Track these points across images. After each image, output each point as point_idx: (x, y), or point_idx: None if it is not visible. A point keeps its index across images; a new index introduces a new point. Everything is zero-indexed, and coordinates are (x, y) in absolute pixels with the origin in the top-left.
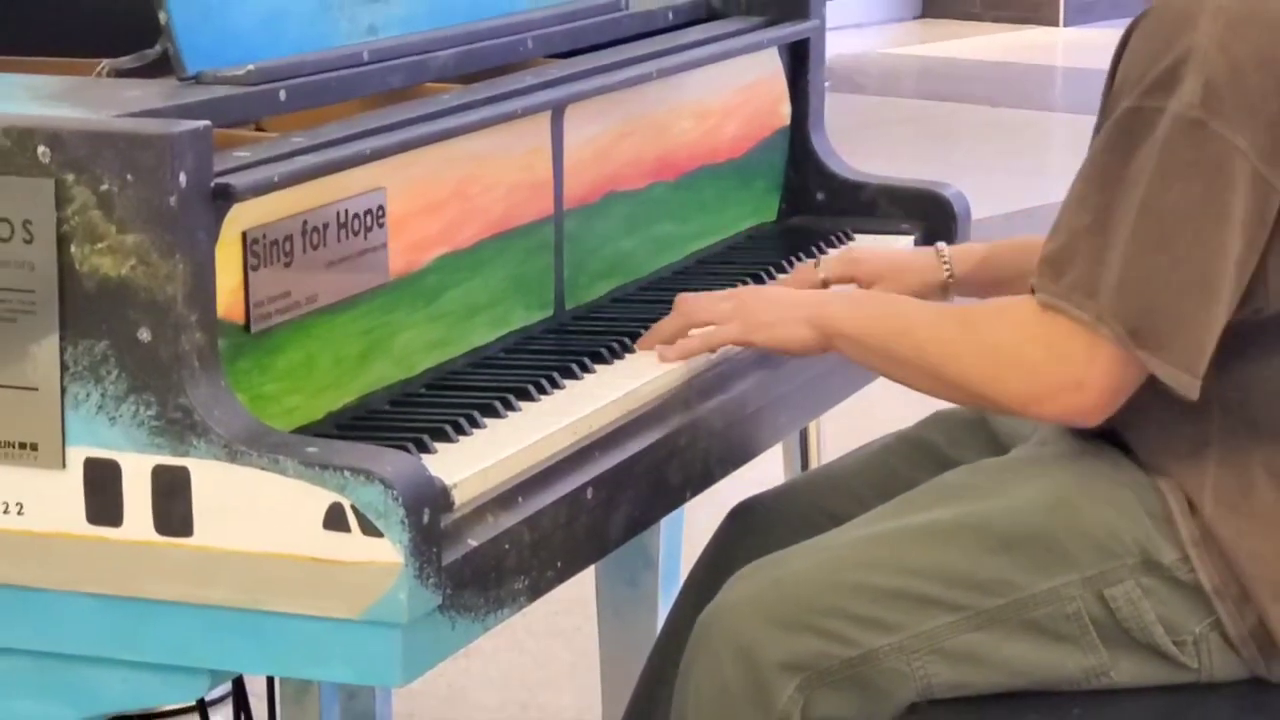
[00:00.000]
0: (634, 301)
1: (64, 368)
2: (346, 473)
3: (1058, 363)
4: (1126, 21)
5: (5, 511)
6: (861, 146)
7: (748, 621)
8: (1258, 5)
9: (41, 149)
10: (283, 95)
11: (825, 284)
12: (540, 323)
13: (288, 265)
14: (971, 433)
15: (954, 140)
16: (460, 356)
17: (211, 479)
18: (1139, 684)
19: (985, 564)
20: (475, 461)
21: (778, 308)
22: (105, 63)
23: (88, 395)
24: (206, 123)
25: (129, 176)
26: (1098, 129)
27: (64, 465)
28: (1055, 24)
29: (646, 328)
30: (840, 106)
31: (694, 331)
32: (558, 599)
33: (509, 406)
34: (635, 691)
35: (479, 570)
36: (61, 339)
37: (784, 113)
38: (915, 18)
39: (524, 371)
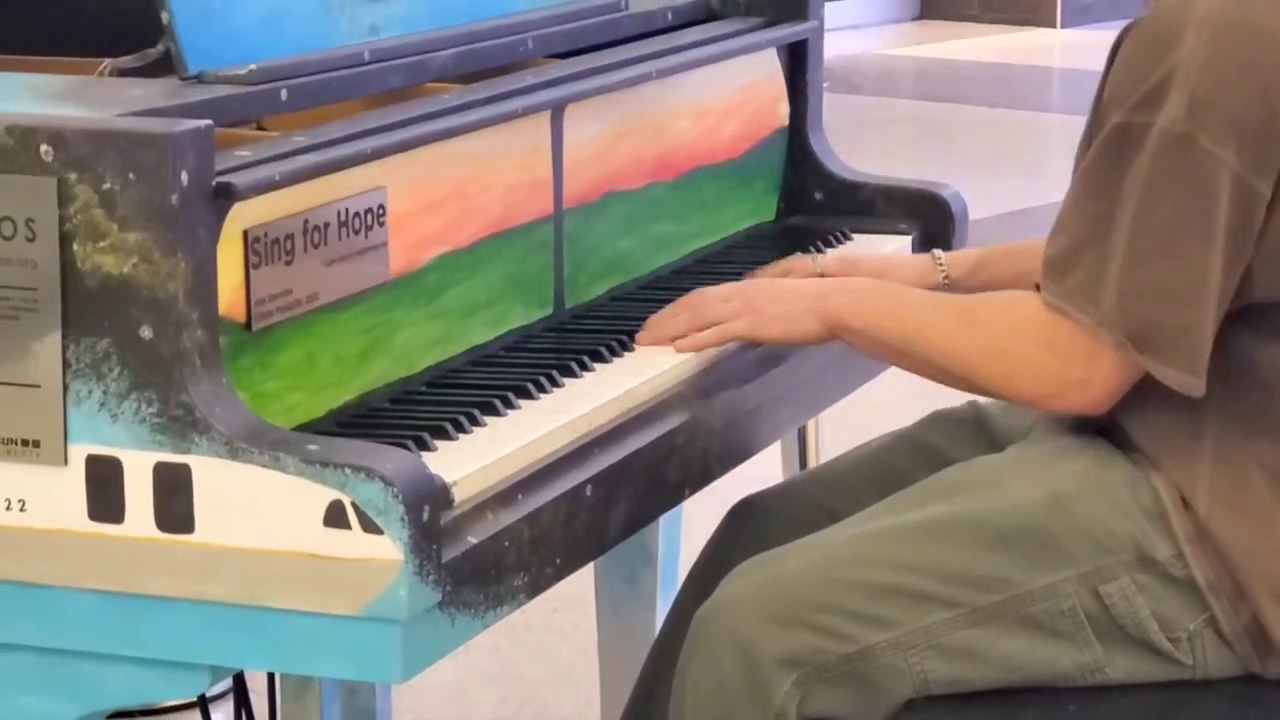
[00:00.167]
0: (633, 300)
1: (66, 365)
2: (347, 470)
3: (1065, 364)
4: (1124, 23)
5: (7, 508)
6: (859, 147)
7: (745, 618)
8: (1243, 16)
9: (44, 148)
10: (284, 95)
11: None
12: (540, 321)
13: (289, 263)
14: (969, 432)
15: (952, 141)
16: (460, 355)
17: (213, 476)
18: (1134, 680)
19: (981, 560)
20: (475, 459)
21: (783, 302)
22: (107, 62)
23: (90, 392)
24: (208, 122)
25: (131, 175)
26: (1087, 134)
27: (66, 462)
28: (1053, 25)
29: None
30: (838, 107)
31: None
32: (557, 596)
33: (509, 404)
34: (634, 688)
35: (479, 567)
36: (64, 336)
37: (782, 113)
38: (913, 19)
39: (524, 370)
